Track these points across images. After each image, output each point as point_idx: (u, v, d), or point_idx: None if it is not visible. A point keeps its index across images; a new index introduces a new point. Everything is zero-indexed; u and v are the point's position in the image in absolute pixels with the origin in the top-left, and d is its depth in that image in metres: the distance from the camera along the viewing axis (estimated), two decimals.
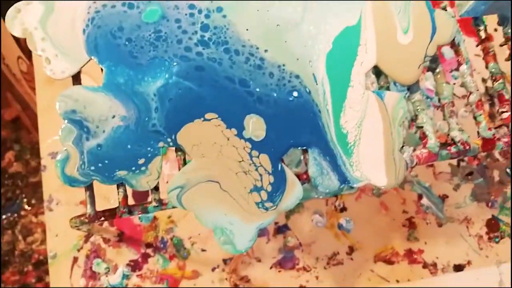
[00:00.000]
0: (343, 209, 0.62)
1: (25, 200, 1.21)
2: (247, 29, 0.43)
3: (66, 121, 0.40)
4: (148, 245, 0.59)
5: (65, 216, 0.58)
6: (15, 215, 1.18)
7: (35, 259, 1.13)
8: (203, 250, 0.59)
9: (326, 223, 0.61)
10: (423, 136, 0.44)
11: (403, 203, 0.62)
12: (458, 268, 0.61)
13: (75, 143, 0.40)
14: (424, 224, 0.62)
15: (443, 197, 0.63)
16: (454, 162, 0.64)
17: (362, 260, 0.60)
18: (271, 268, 0.59)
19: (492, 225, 0.62)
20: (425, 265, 0.60)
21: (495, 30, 0.55)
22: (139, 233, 0.59)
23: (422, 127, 0.44)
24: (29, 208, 1.19)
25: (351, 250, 0.61)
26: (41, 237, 1.15)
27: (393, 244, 0.61)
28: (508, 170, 0.63)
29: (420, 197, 0.62)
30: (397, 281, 0.60)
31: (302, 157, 0.43)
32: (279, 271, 0.59)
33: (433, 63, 0.46)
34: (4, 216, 1.18)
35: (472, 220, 0.62)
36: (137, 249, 0.59)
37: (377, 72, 0.45)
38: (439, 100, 0.46)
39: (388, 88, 0.45)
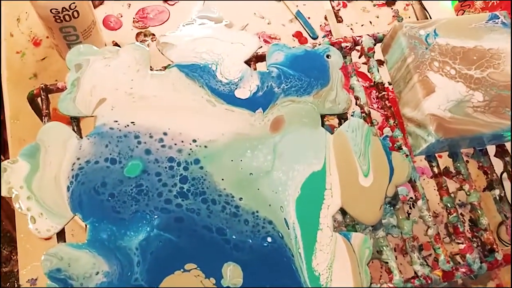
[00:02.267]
0: None
1: None
2: (222, 179, 0.47)
3: (49, 280, 0.42)
4: None
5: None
6: None
7: None
8: None
9: None
10: (388, 272, 0.48)
11: None
12: None
13: None
14: None
15: None
16: None
17: None
18: None
19: None
20: None
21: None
22: None
23: (387, 262, 0.48)
24: None
25: None
26: None
27: None
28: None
29: None
30: None
31: None
32: None
33: (393, 199, 0.50)
34: None
35: None
36: None
37: (343, 211, 0.49)
38: (402, 233, 0.50)
39: (354, 226, 0.49)
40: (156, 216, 0.45)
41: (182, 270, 0.44)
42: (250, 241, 0.45)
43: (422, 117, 0.49)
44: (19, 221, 0.64)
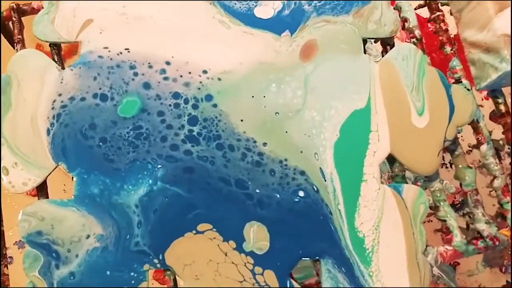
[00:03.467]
0: None
1: None
2: (241, 120, 0.37)
3: (29, 246, 0.33)
4: None
5: None
6: None
7: None
8: None
9: None
10: (446, 231, 0.39)
11: None
12: None
13: (42, 273, 0.33)
14: None
15: (454, 265, 0.58)
16: (463, 224, 0.60)
17: None
18: None
19: None
20: None
21: None
22: None
23: (445, 220, 0.39)
24: None
25: None
26: None
27: None
28: None
29: None
30: None
31: (313, 268, 0.37)
32: None
33: (452, 144, 0.41)
34: None
35: None
36: None
37: (391, 159, 0.39)
38: (461, 185, 0.41)
39: (403, 178, 0.40)
40: (159, 166, 0.36)
41: (194, 231, 0.35)
42: (278, 195, 0.36)
43: (493, 39, 0.38)
44: None
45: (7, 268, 0.53)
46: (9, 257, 0.54)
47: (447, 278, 0.57)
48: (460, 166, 0.41)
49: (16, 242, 0.54)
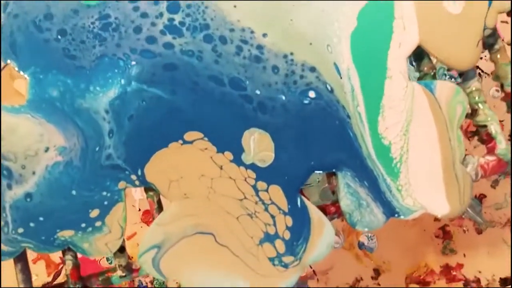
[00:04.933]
0: None
1: None
2: (234, 6, 0.30)
3: None
4: None
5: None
6: None
7: None
8: None
9: (344, 243, 0.49)
10: (488, 138, 0.32)
11: None
12: (505, 282, 0.50)
13: None
14: (460, 232, 0.51)
15: (480, 197, 0.52)
16: None
17: (392, 285, 0.49)
18: None
19: None
20: (466, 283, 0.50)
21: None
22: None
23: (485, 126, 0.32)
24: None
25: (377, 273, 0.49)
26: None
27: (427, 260, 0.50)
28: None
29: None
30: None
31: (326, 184, 0.30)
32: None
33: (491, 35, 0.33)
34: None
35: None
36: None
37: (418, 54, 0.32)
38: (502, 86, 0.34)
39: (434, 77, 0.33)
40: (133, 63, 0.28)
41: (180, 141, 0.28)
42: (283, 97, 0.29)
43: None
44: None
45: None
46: None
47: (473, 212, 0.51)
48: (501, 62, 0.33)
49: None
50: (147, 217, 0.48)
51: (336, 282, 0.48)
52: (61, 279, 0.46)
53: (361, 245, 0.49)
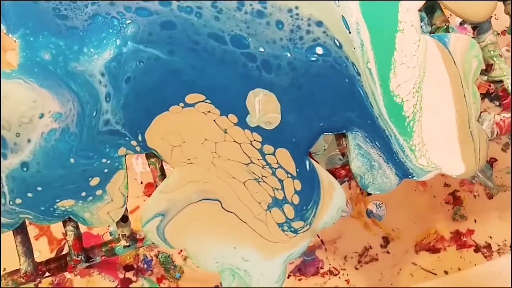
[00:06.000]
0: None
1: None
2: None
3: None
4: (128, 268, 0.45)
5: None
6: None
7: None
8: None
9: (352, 212, 0.48)
10: (504, 94, 0.31)
11: (443, 174, 0.50)
12: None
13: None
14: (471, 198, 0.50)
15: (491, 161, 0.50)
16: None
17: (401, 252, 0.48)
18: (289, 277, 0.46)
19: None
20: (477, 249, 0.49)
21: None
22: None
23: (501, 81, 0.31)
24: None
25: (386, 241, 0.48)
26: None
27: (436, 227, 0.49)
28: None
29: None
30: (446, 272, 0.48)
31: (333, 152, 0.29)
32: (300, 279, 0.47)
33: None
34: None
35: None
36: (113, 274, 0.45)
37: (430, 7, 0.30)
38: None
39: (447, 30, 0.31)
40: (128, 21, 0.27)
41: (181, 104, 0.27)
42: (289, 54, 0.27)
43: None
44: None
45: None
46: None
47: (483, 176, 0.50)
48: None
49: None
50: (150, 190, 0.47)
51: (344, 251, 0.47)
52: None
53: (369, 213, 0.48)
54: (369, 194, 0.49)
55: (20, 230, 0.26)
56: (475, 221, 0.49)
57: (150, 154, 0.27)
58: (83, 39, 0.26)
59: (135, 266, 0.45)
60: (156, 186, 0.27)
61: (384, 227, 0.48)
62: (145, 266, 0.45)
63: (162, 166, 0.28)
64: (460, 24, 0.40)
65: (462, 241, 0.49)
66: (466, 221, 0.49)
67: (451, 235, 0.49)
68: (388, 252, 0.48)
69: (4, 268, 0.45)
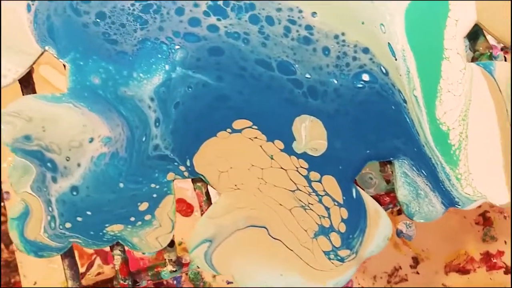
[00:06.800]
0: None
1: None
2: None
3: (16, 155, 0.25)
4: (158, 284, 0.45)
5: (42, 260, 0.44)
6: None
7: None
8: (229, 283, 0.46)
9: None
10: None
11: None
12: None
13: (35, 189, 0.25)
14: (501, 219, 0.49)
15: None
16: None
17: (431, 273, 0.48)
18: None
19: None
20: (507, 270, 0.48)
21: None
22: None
23: None
24: None
25: (415, 261, 0.48)
26: None
27: (466, 248, 0.48)
28: None
29: None
30: None
31: (379, 172, 0.29)
32: None
33: None
34: None
35: None
36: None
37: (473, 33, 0.30)
38: None
39: (490, 57, 0.31)
40: (177, 47, 0.27)
41: (229, 130, 0.27)
42: (335, 81, 0.28)
43: None
44: None
45: (4, 206, 0.46)
46: (5, 192, 0.46)
47: None
48: None
49: None
50: (180, 206, 0.47)
51: (374, 271, 0.47)
52: (94, 270, 0.45)
53: (399, 233, 0.48)
54: (399, 214, 0.48)
55: (68, 254, 0.26)
56: (505, 242, 0.49)
57: (196, 179, 0.27)
58: (132, 64, 0.27)
59: (165, 282, 0.45)
60: (202, 211, 0.27)
61: (414, 247, 0.48)
62: (175, 282, 0.45)
63: (207, 191, 0.28)
64: (502, 49, 0.40)
65: (492, 262, 0.48)
66: (496, 242, 0.49)
67: (481, 256, 0.48)
68: (417, 273, 0.48)
69: (35, 282, 0.45)
